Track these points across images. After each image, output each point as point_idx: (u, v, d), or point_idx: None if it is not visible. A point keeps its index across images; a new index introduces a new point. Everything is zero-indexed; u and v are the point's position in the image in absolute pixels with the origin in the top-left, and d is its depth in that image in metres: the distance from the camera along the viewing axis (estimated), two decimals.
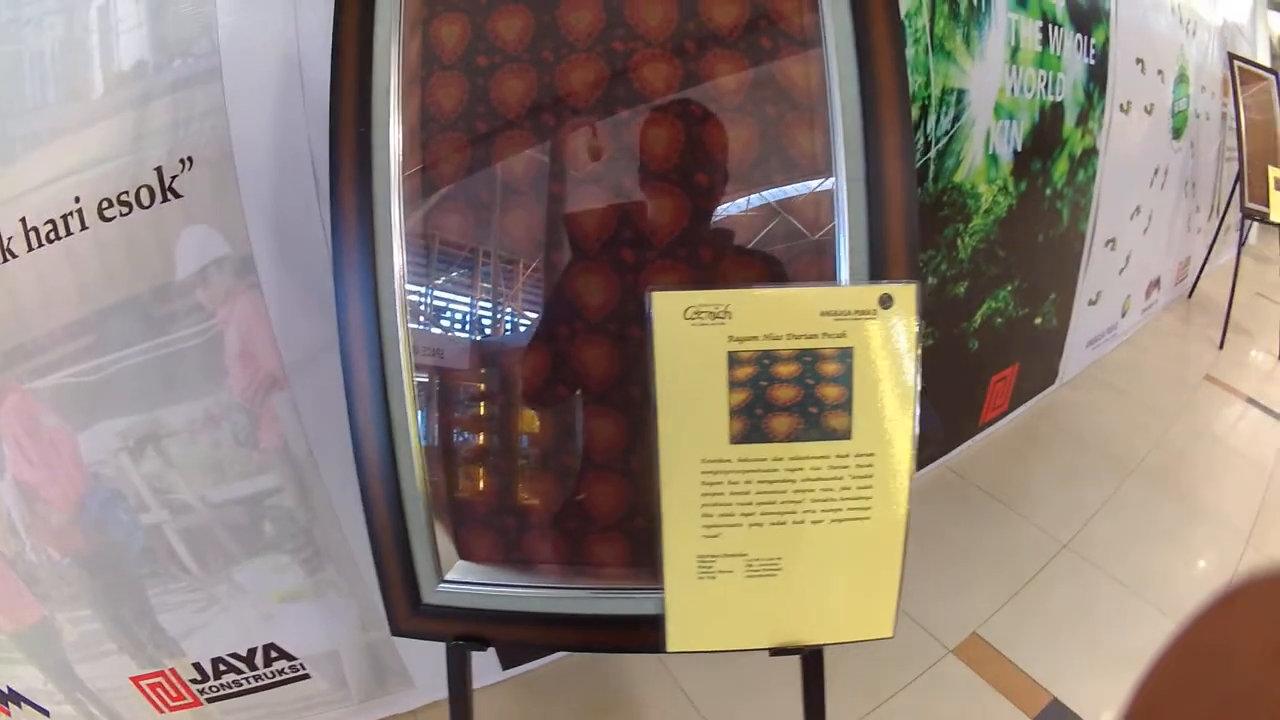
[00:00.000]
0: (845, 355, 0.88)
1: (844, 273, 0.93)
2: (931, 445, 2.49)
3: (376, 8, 0.95)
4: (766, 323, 0.87)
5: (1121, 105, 2.83)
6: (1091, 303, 3.07)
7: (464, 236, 1.04)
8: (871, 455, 0.91)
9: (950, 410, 2.52)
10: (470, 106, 1.00)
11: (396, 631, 1.05)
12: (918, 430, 0.91)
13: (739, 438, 0.89)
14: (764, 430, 0.89)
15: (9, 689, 1.59)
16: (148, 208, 1.25)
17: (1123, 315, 3.43)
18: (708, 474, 0.90)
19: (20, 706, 1.60)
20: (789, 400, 0.88)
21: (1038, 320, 2.79)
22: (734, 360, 0.87)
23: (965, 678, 1.79)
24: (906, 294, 0.88)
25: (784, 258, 1.01)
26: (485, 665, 1.78)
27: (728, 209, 1.00)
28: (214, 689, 1.61)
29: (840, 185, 0.92)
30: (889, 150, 0.91)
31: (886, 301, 0.87)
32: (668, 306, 0.86)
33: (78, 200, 1.23)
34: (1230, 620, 0.42)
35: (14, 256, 1.25)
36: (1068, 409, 2.98)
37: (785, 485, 0.91)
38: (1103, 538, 2.23)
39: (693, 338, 0.87)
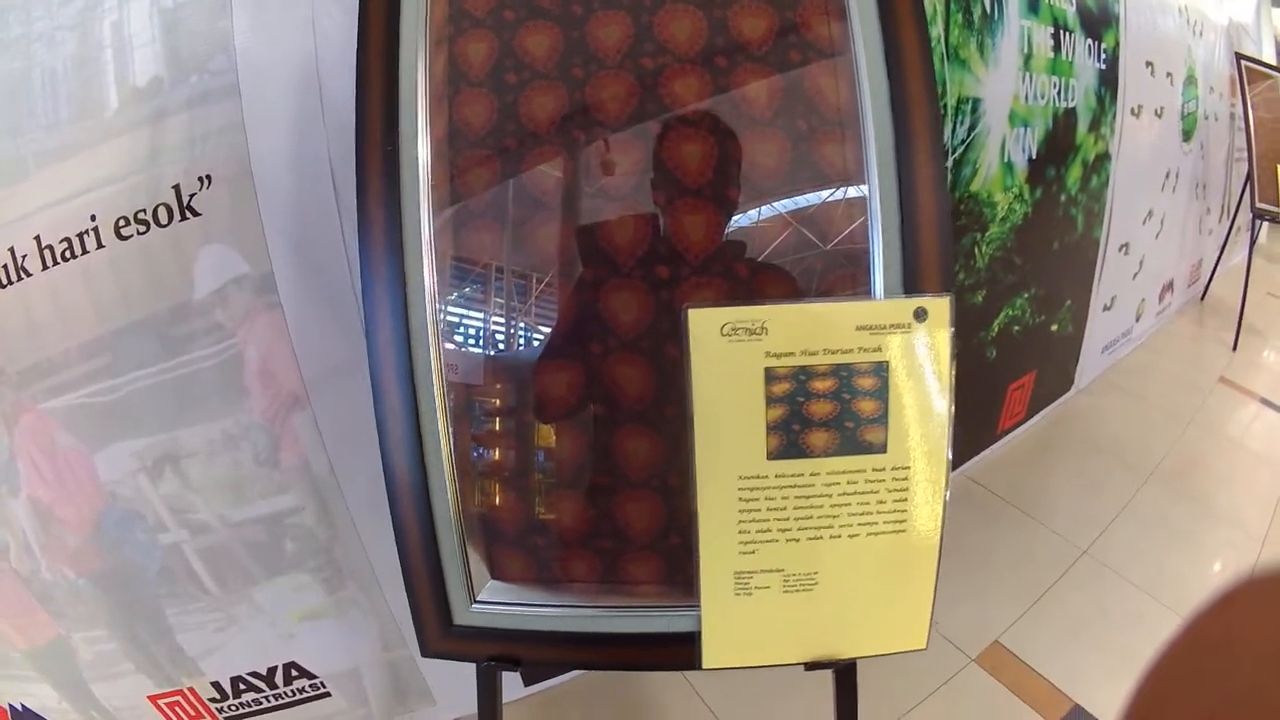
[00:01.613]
0: (881, 369, 0.88)
1: (878, 286, 0.92)
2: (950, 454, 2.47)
3: (401, 25, 0.94)
4: (803, 338, 0.86)
5: (1133, 109, 2.83)
6: (1106, 308, 3.06)
7: (494, 254, 1.03)
8: (907, 469, 0.91)
9: (968, 419, 2.51)
10: (500, 123, 0.99)
11: (428, 653, 1.03)
12: (951, 441, 0.90)
13: (776, 454, 0.88)
14: (801, 446, 0.88)
15: (23, 706, 1.58)
16: (165, 226, 1.24)
17: (1137, 319, 3.42)
18: (745, 490, 0.89)
19: None
20: (826, 415, 0.88)
21: (1054, 327, 2.78)
22: (771, 376, 0.87)
23: (987, 686, 1.78)
24: (941, 307, 0.87)
25: (818, 272, 1.00)
26: (506, 682, 1.76)
27: (761, 224, 0.99)
28: (233, 708, 1.60)
29: (873, 198, 0.91)
30: (921, 162, 0.91)
31: (921, 315, 0.87)
32: (704, 323, 0.85)
33: (94, 219, 1.23)
34: (1230, 620, 0.42)
35: (28, 275, 1.24)
36: (1083, 415, 2.97)
37: (822, 500, 0.90)
38: (1120, 543, 2.22)
39: (729, 354, 0.86)
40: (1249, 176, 3.56)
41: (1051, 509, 2.38)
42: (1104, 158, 2.73)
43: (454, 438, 0.97)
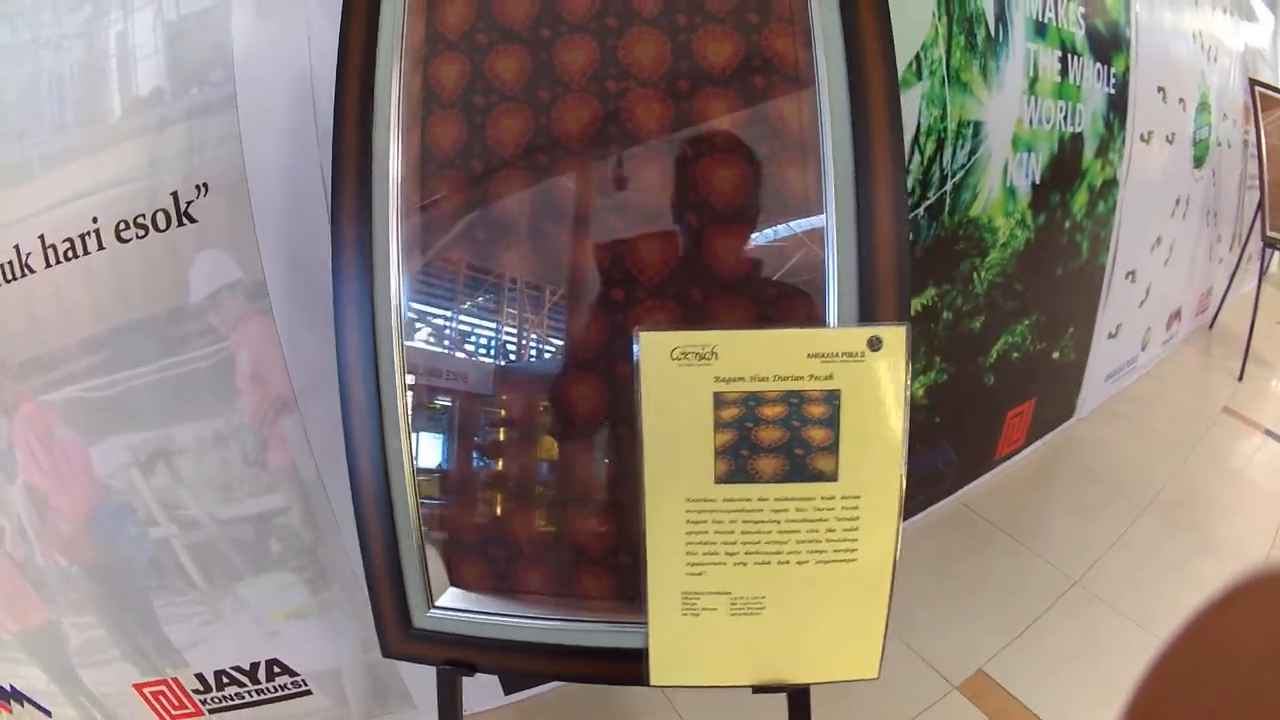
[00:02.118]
0: (832, 398, 0.88)
1: (832, 314, 0.93)
2: (946, 480, 2.46)
3: (378, 48, 0.98)
4: (753, 364, 0.87)
5: (1142, 135, 2.79)
6: (1111, 336, 3.02)
7: (458, 272, 1.05)
8: (858, 498, 0.91)
9: (965, 445, 2.49)
10: (468, 145, 1.02)
11: (387, 653, 1.06)
12: (905, 473, 0.91)
13: (724, 478, 0.90)
14: (749, 471, 0.89)
15: (12, 687, 1.62)
16: (163, 231, 1.28)
17: (1143, 348, 3.38)
18: (693, 513, 0.91)
19: (23, 705, 1.63)
20: (774, 442, 0.89)
21: (1056, 354, 2.75)
22: (720, 401, 0.88)
23: (969, 714, 1.76)
24: (896, 336, 0.87)
25: (774, 298, 1.01)
26: (488, 690, 1.79)
27: (718, 249, 1.00)
28: (216, 700, 1.63)
29: (830, 225, 0.92)
30: (880, 190, 0.92)
31: (876, 344, 0.87)
32: (655, 346, 0.87)
33: (95, 221, 1.27)
34: (1230, 620, 0.42)
35: (32, 271, 1.29)
36: (1083, 443, 2.94)
37: (770, 525, 0.91)
38: (1114, 574, 2.19)
39: (679, 378, 0.87)
40: (1260, 204, 3.51)
41: (1045, 537, 2.35)
42: (1111, 184, 2.69)
43: (418, 447, 1.00)
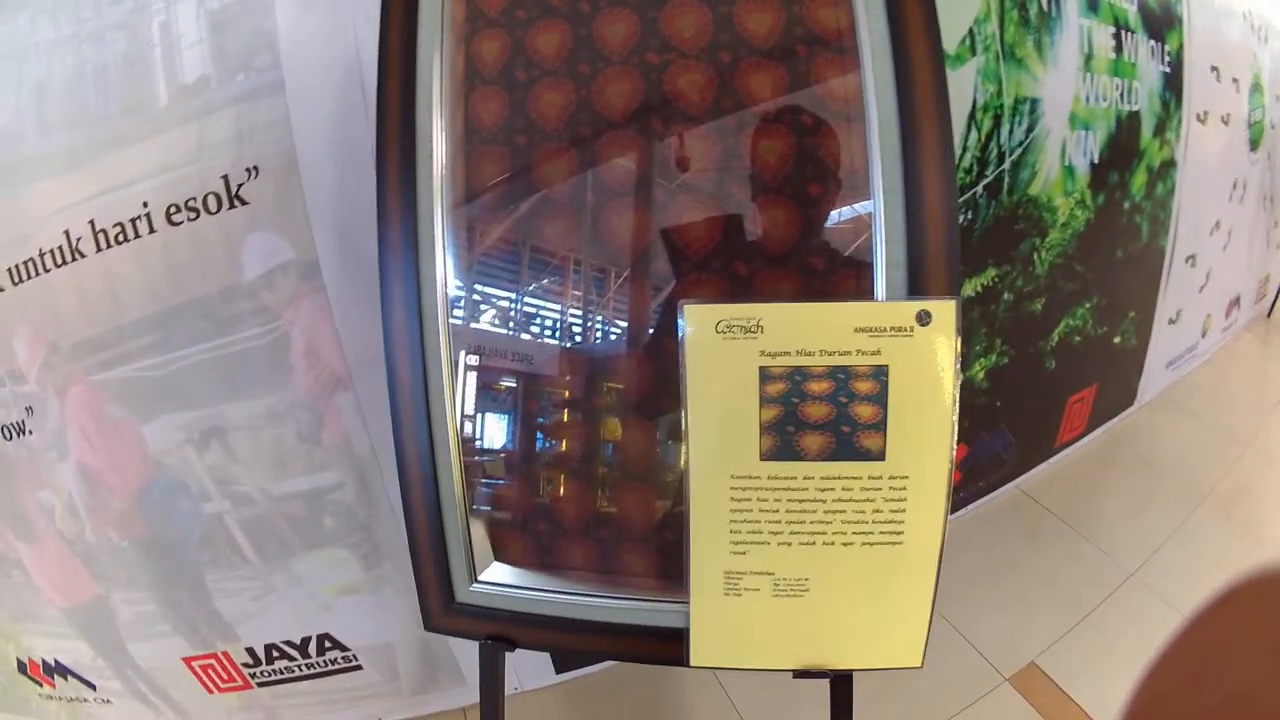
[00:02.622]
0: (880, 373, 0.86)
1: (880, 288, 0.90)
2: (1005, 466, 2.41)
3: (419, 25, 0.98)
4: (799, 338, 0.86)
5: (1199, 115, 2.69)
6: (1171, 321, 2.92)
7: (504, 247, 1.06)
8: (906, 478, 0.89)
9: (1025, 431, 2.43)
10: (510, 120, 1.02)
11: (430, 627, 1.08)
12: (954, 454, 0.88)
13: (769, 455, 0.88)
14: (795, 448, 0.88)
15: (57, 662, 1.68)
16: (215, 214, 1.31)
17: (1203, 335, 3.26)
18: (737, 490, 0.90)
19: (66, 679, 1.69)
20: (821, 418, 0.87)
21: (1116, 339, 2.67)
22: (765, 376, 0.87)
23: (1019, 708, 1.73)
24: (946, 310, 0.85)
25: (821, 272, 0.99)
26: (540, 667, 1.81)
27: (763, 222, 0.99)
28: (265, 674, 1.67)
29: (877, 197, 0.90)
30: (928, 161, 0.89)
31: (924, 318, 0.85)
32: (700, 319, 0.86)
33: (145, 205, 1.30)
34: (1230, 619, 0.41)
35: (82, 256, 1.33)
36: (1141, 432, 2.85)
37: (815, 505, 0.89)
38: (1170, 568, 2.13)
39: (724, 351, 0.86)
40: None
41: (1101, 528, 2.29)
42: (1169, 164, 2.60)
43: (463, 423, 1.01)
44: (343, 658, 1.68)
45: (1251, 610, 0.40)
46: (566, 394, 1.09)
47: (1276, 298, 3.97)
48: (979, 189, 1.96)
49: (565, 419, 1.09)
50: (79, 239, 1.32)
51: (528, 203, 1.04)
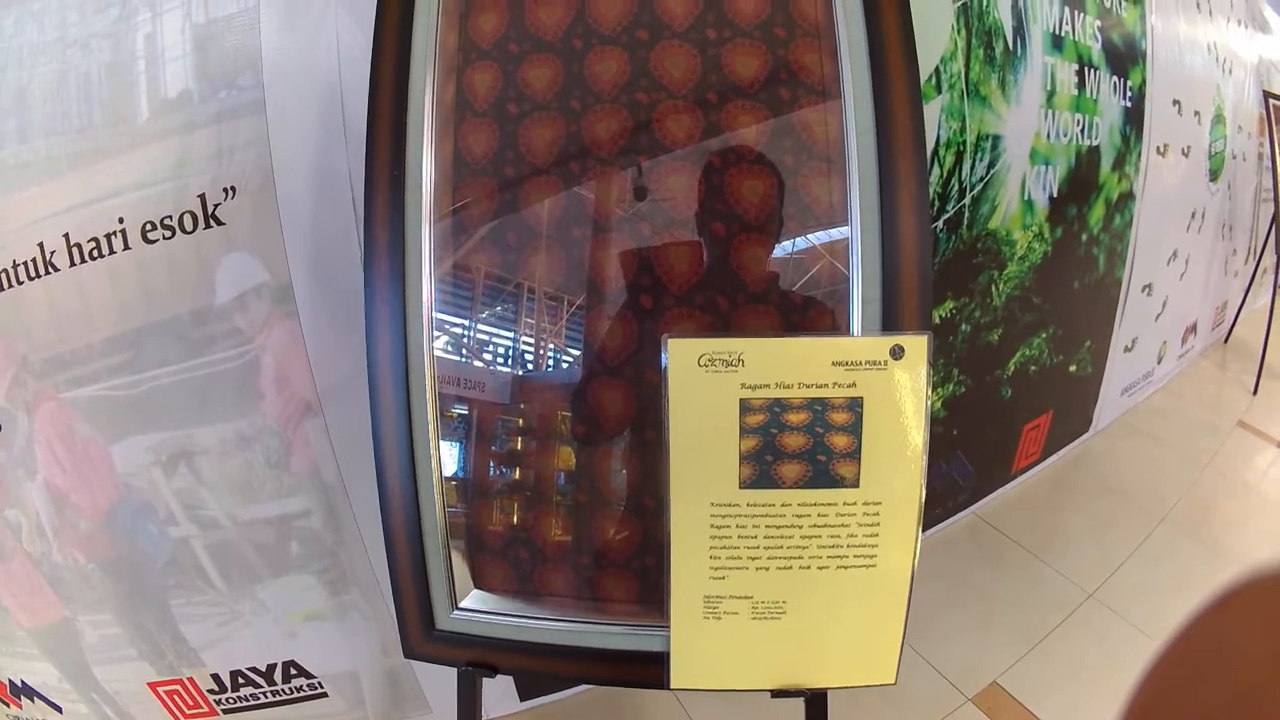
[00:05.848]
0: (855, 405, 0.89)
1: (856, 323, 0.94)
2: (963, 493, 2.46)
3: (412, 55, 0.99)
4: (778, 371, 0.88)
5: (1158, 148, 2.79)
6: (1127, 349, 3.02)
7: (490, 278, 1.07)
8: (879, 504, 0.92)
9: (982, 458, 2.49)
10: (500, 152, 1.03)
11: (410, 654, 1.07)
12: (925, 480, 0.91)
13: (749, 483, 0.91)
14: (773, 476, 0.90)
15: (23, 682, 1.63)
16: (190, 233, 1.29)
17: (1158, 361, 3.37)
18: (717, 517, 0.92)
19: (33, 701, 1.64)
20: (798, 448, 0.90)
21: (1072, 368, 2.75)
22: (745, 407, 0.89)
23: None
24: (918, 345, 0.89)
25: (799, 307, 1.02)
26: (504, 695, 1.80)
27: (745, 258, 1.02)
28: (231, 700, 1.63)
29: (855, 235, 0.93)
30: (904, 202, 0.93)
31: (898, 353, 0.88)
32: (682, 353, 0.88)
33: (121, 221, 1.28)
34: (1229, 620, 0.41)
35: (55, 270, 1.30)
36: (1098, 457, 2.93)
37: (792, 530, 0.92)
38: (1129, 588, 2.19)
39: (706, 384, 0.88)
40: (1275, 217, 3.50)
41: (1061, 551, 2.35)
42: (1128, 196, 2.69)
43: (443, 451, 1.01)
44: (308, 685, 1.65)
45: (1251, 610, 0.41)
46: (538, 422, 1.10)
47: (1233, 324, 4.10)
48: (939, 224, 2.02)
49: (539, 447, 1.10)
50: (53, 252, 1.29)
51: (514, 234, 1.05)
